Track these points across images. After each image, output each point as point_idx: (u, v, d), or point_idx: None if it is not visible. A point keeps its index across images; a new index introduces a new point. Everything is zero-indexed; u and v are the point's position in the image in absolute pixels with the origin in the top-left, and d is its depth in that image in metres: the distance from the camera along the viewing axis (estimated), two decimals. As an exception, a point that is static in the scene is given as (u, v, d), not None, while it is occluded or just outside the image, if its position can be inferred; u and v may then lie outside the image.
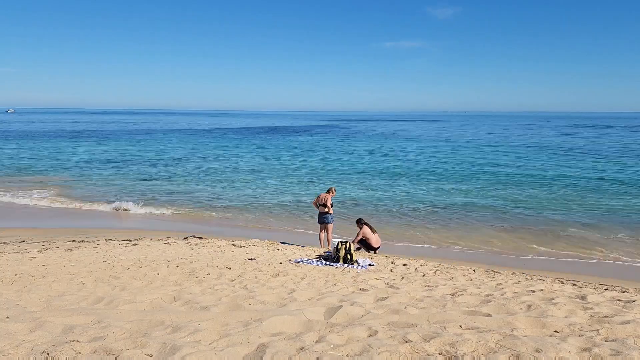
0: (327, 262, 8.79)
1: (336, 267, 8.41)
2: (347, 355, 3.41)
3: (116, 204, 17.61)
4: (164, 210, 17.30)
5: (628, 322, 4.30)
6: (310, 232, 14.00)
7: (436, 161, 33.19)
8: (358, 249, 10.75)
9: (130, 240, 11.67)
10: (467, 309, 4.93)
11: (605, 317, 4.60)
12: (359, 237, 10.78)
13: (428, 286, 6.54)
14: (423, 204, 18.09)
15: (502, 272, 8.74)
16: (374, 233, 10.87)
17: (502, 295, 5.88)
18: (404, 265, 8.93)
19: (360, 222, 11.05)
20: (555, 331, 4.05)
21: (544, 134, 65.96)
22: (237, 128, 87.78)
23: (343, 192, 19.96)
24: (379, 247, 10.83)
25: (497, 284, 6.96)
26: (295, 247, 11.28)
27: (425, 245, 12.67)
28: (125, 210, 17.21)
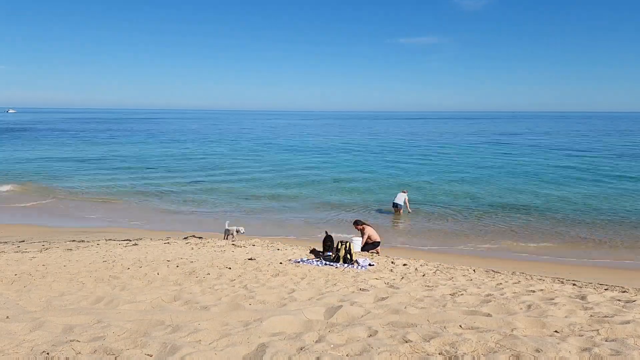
0: (327, 262, 8.79)
1: (336, 267, 8.41)
2: (347, 355, 3.41)
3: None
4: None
5: (628, 322, 4.30)
6: (310, 231, 14.03)
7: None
8: (367, 249, 10.56)
9: (130, 240, 11.67)
10: (467, 309, 4.94)
11: (605, 317, 4.60)
12: (366, 237, 10.62)
13: (428, 286, 6.54)
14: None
15: (502, 272, 8.73)
16: (373, 229, 10.85)
17: (502, 295, 5.88)
18: (404, 265, 8.92)
19: (359, 223, 10.91)
20: (555, 331, 4.06)
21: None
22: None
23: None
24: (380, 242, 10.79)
25: (497, 284, 6.96)
26: (295, 247, 11.28)
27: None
28: None
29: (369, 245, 10.60)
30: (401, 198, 16.80)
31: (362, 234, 10.70)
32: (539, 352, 3.43)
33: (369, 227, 10.83)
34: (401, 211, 16.70)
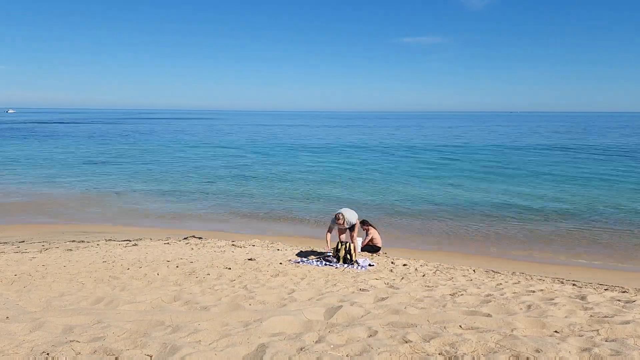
0: (327, 263, 8.79)
1: (336, 267, 8.42)
2: (347, 356, 3.41)
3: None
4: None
5: (628, 322, 4.30)
6: (310, 231, 14.01)
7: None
8: (366, 250, 10.44)
9: (130, 241, 11.67)
10: (467, 309, 4.94)
11: (605, 317, 4.60)
12: (369, 239, 10.51)
13: (428, 286, 6.54)
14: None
15: (502, 272, 8.74)
16: (378, 233, 10.74)
17: (502, 295, 5.88)
18: (404, 265, 8.92)
19: (366, 223, 10.78)
20: (555, 331, 4.06)
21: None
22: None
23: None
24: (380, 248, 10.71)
25: (497, 284, 6.97)
26: (295, 247, 11.28)
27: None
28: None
29: (368, 247, 10.55)
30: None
31: (366, 235, 10.65)
32: (539, 352, 3.43)
33: (375, 230, 10.73)
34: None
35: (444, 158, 33.75)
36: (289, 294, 5.80)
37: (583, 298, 5.71)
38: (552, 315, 4.64)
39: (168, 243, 11.28)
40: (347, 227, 9.84)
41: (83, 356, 3.35)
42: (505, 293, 6.04)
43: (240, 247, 10.71)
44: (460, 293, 5.96)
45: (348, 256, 8.83)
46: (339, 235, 10.04)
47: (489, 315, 4.61)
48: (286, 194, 20.11)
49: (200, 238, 12.29)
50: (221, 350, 3.46)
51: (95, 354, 3.40)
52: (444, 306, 5.11)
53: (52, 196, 19.26)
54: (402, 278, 7.36)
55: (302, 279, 7.08)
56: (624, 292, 6.79)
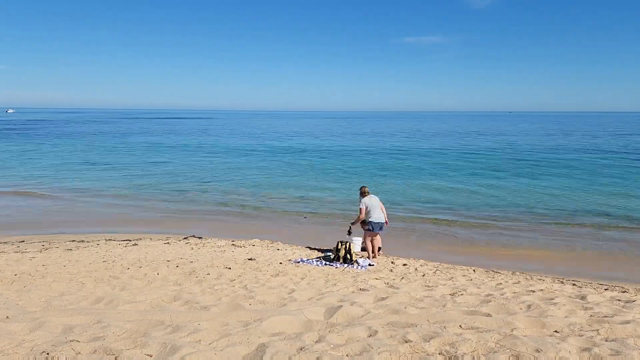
0: (327, 262, 8.79)
1: (336, 267, 8.42)
2: (347, 355, 3.41)
3: None
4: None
5: (628, 322, 4.31)
6: (310, 231, 14.01)
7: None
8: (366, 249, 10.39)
9: (130, 240, 11.67)
10: (467, 309, 4.94)
11: (605, 317, 4.60)
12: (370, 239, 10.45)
13: (428, 286, 6.54)
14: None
15: (502, 272, 8.74)
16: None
17: (502, 295, 5.88)
18: (404, 265, 8.92)
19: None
20: (555, 331, 4.06)
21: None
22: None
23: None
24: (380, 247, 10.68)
25: (497, 284, 6.97)
26: (295, 247, 11.27)
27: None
28: None
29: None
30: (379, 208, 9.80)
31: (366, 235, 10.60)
32: (539, 352, 3.44)
33: None
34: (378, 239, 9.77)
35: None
36: (289, 293, 5.80)
37: (583, 298, 5.71)
38: (552, 315, 4.64)
39: (168, 243, 11.28)
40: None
41: (83, 356, 3.35)
42: (505, 293, 6.04)
43: (240, 247, 10.71)
44: (460, 293, 5.96)
45: (348, 256, 8.83)
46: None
47: (489, 315, 4.61)
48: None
49: (200, 238, 12.28)
50: (221, 350, 3.46)
51: (95, 353, 3.40)
52: (444, 306, 5.11)
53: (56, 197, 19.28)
54: (402, 278, 7.36)
55: (302, 278, 7.08)
56: (624, 292, 6.79)
